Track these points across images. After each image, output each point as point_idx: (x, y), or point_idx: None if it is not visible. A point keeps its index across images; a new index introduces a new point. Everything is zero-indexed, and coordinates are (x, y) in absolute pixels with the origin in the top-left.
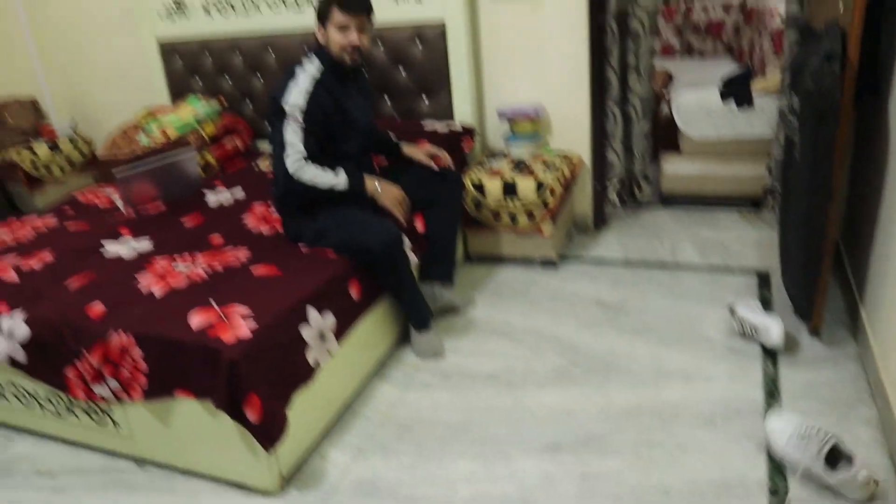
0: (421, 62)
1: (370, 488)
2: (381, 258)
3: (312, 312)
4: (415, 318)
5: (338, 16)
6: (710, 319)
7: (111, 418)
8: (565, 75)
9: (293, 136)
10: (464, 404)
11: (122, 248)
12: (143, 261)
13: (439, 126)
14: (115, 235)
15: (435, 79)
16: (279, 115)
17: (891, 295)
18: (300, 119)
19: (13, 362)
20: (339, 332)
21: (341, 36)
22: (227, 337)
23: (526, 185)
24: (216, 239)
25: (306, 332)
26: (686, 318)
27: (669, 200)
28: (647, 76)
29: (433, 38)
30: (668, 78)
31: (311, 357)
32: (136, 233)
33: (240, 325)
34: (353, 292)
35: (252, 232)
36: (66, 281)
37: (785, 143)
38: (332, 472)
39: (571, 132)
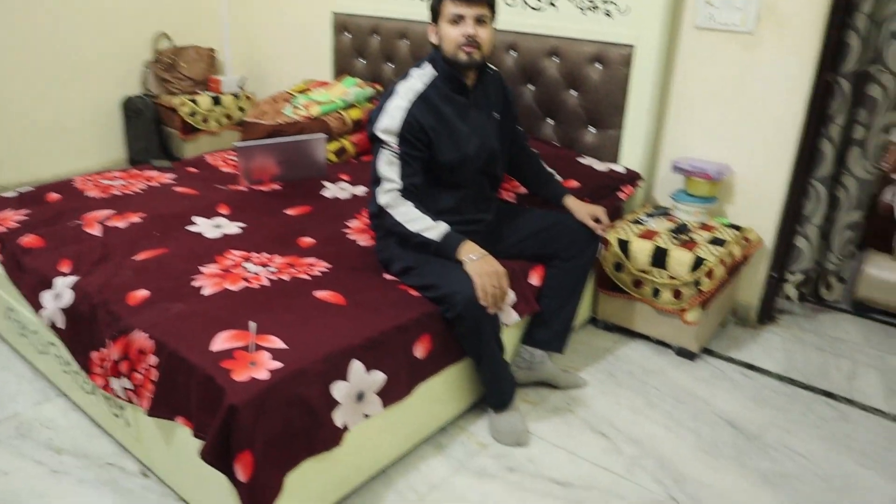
0: (596, 87)
1: None
2: (463, 315)
3: (356, 366)
4: (491, 397)
5: (450, 6)
6: (878, 494)
7: (125, 416)
8: (767, 137)
9: (387, 167)
10: None
11: (210, 227)
12: (220, 247)
13: (598, 165)
14: (211, 213)
15: (608, 110)
16: (373, 142)
17: None
18: (395, 146)
19: (53, 326)
20: (387, 395)
21: (454, 29)
22: (240, 374)
23: (679, 258)
24: (305, 241)
25: (339, 391)
26: (843, 483)
27: (863, 309)
28: (875, 155)
29: (616, 63)
30: None
31: (338, 418)
32: (233, 214)
33: (263, 361)
34: (420, 350)
35: (347, 240)
36: (136, 253)
37: None
38: None
39: (756, 205)
